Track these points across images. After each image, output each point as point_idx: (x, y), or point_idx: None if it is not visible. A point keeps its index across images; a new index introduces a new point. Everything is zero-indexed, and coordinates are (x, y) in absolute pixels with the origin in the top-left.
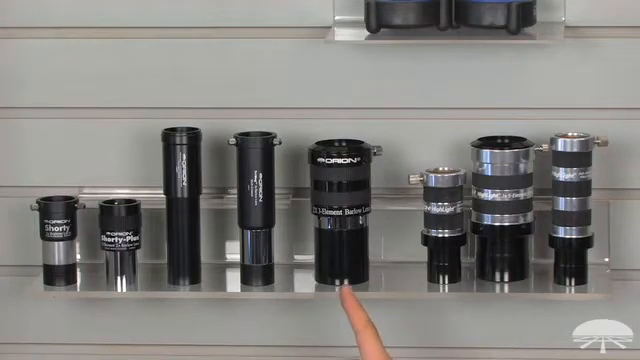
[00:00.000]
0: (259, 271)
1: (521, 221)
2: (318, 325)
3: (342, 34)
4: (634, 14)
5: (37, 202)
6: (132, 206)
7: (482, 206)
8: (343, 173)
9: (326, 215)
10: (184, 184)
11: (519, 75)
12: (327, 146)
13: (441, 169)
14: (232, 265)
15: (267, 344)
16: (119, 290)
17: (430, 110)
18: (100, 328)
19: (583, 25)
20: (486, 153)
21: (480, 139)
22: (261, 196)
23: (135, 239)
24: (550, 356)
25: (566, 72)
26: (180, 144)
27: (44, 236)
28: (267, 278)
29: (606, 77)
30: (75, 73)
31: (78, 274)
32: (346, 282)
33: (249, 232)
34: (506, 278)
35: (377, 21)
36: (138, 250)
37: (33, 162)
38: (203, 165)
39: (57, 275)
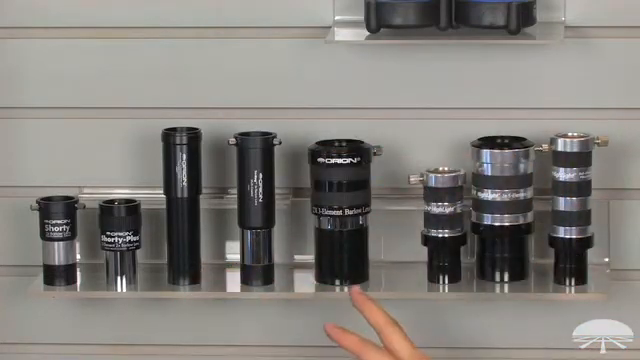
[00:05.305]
0: (259, 271)
1: (521, 221)
2: (318, 325)
3: (342, 34)
4: (634, 14)
5: (37, 202)
6: (132, 206)
7: (482, 206)
8: (343, 173)
9: (326, 215)
10: (184, 184)
11: (519, 75)
12: (327, 146)
13: (441, 169)
14: (232, 265)
15: (267, 344)
16: (119, 290)
17: (430, 110)
18: (100, 328)
19: (583, 25)
20: (486, 153)
21: (480, 139)
22: (261, 196)
23: (135, 239)
24: (550, 356)
25: (566, 72)
26: (180, 144)
27: (44, 236)
28: (267, 278)
29: (606, 77)
30: (75, 73)
31: (78, 274)
32: (346, 288)
33: (249, 232)
34: (506, 278)
35: (377, 21)
36: (138, 250)
37: (33, 162)
38: (203, 165)
39: (57, 275)
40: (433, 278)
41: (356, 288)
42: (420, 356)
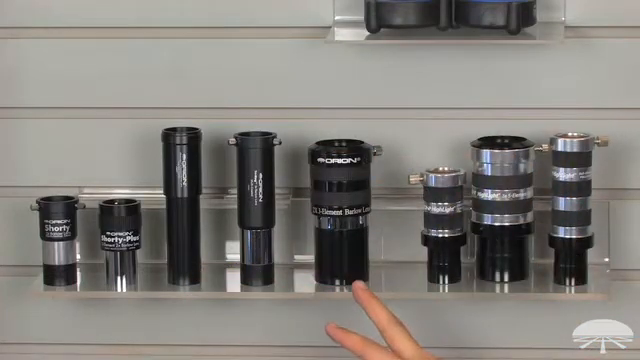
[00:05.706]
0: (259, 271)
1: (521, 221)
2: (318, 325)
3: (342, 34)
4: (634, 14)
5: (37, 202)
6: (132, 206)
7: (482, 206)
8: (343, 173)
9: (326, 215)
10: (184, 184)
11: (519, 75)
12: (327, 146)
13: (441, 169)
14: (232, 265)
15: (267, 344)
16: (119, 290)
17: (430, 110)
18: (100, 328)
19: (583, 25)
20: (486, 153)
21: (480, 139)
22: (261, 196)
23: (135, 239)
24: (550, 356)
25: (566, 72)
26: (180, 144)
27: (44, 236)
28: (267, 278)
29: (606, 77)
30: (75, 73)
31: (78, 274)
32: (345, 288)
33: (249, 232)
34: (506, 278)
35: (377, 21)
36: (138, 250)
37: (33, 162)
38: (203, 165)
39: (57, 275)
40: (433, 278)
41: (359, 284)
42: (425, 356)
